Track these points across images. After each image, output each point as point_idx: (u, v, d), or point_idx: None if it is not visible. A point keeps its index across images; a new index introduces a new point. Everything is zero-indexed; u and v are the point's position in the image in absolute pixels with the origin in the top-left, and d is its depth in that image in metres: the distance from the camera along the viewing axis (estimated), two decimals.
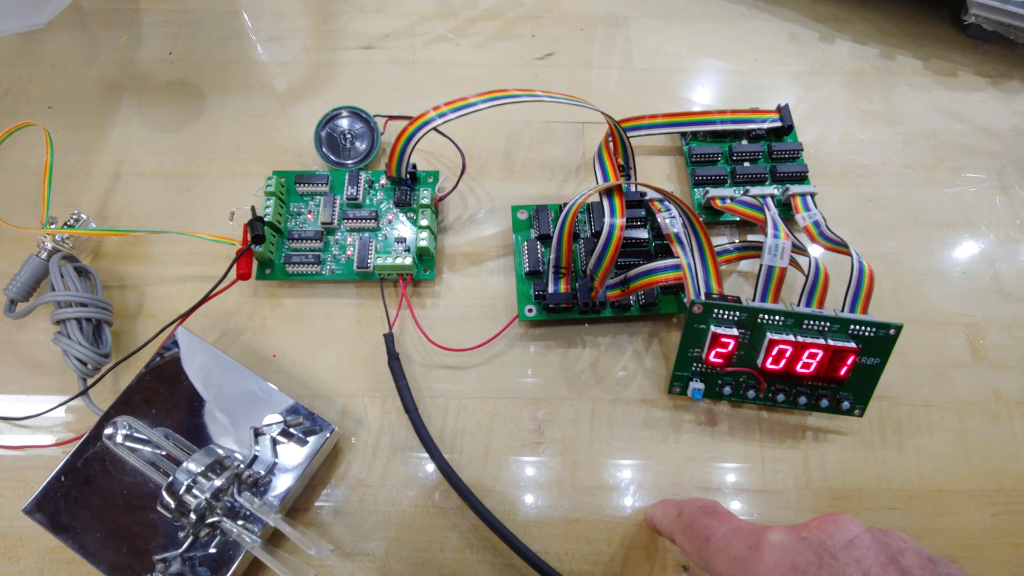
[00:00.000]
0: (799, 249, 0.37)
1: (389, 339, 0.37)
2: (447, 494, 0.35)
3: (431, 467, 0.36)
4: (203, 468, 0.30)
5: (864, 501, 0.36)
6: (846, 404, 0.36)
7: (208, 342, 0.36)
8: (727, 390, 0.36)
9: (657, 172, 0.44)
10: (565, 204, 0.41)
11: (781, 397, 0.36)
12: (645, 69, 0.49)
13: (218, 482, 0.30)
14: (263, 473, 0.33)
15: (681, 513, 0.30)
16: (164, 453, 0.32)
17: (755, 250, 0.40)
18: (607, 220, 0.36)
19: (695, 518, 0.29)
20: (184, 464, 0.30)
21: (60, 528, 0.31)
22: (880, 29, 0.50)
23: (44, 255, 0.38)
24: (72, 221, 0.40)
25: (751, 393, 0.36)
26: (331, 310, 0.40)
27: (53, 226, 0.39)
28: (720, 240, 0.42)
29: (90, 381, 0.36)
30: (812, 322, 0.34)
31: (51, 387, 0.38)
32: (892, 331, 0.34)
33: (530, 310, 0.38)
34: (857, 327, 0.34)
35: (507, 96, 0.36)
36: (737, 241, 0.41)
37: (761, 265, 0.36)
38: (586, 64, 0.49)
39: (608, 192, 0.37)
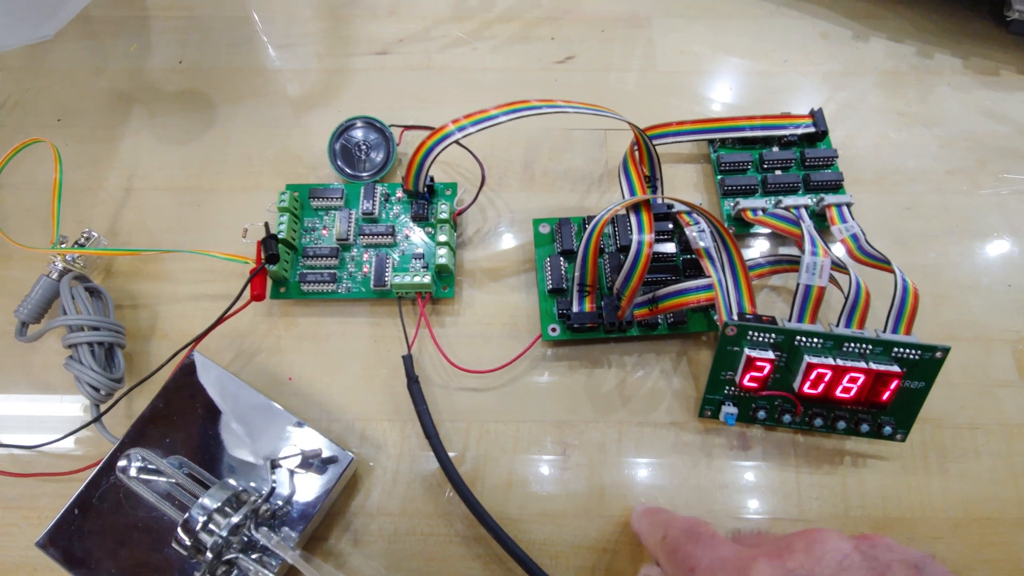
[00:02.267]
0: (838, 266, 0.35)
1: (408, 361, 0.36)
2: (470, 523, 0.34)
3: (453, 494, 0.35)
4: (220, 504, 0.29)
5: (907, 530, 0.34)
6: (888, 429, 0.34)
7: (223, 365, 0.35)
8: (761, 414, 0.34)
9: (684, 181, 0.43)
10: (588, 217, 0.39)
11: (819, 422, 0.34)
12: (669, 71, 0.47)
13: (235, 518, 0.29)
14: (281, 504, 0.32)
15: (665, 537, 0.28)
16: (177, 482, 0.31)
17: (788, 264, 0.38)
18: (635, 237, 0.34)
19: (679, 544, 0.27)
20: (200, 500, 0.29)
21: (74, 563, 0.31)
22: (917, 26, 0.48)
23: (55, 276, 0.37)
24: (83, 240, 0.39)
25: (787, 418, 0.34)
26: (348, 329, 0.39)
27: (64, 245, 0.38)
28: (751, 253, 0.40)
29: (103, 407, 0.35)
30: (853, 344, 0.32)
31: (64, 411, 0.37)
32: (939, 354, 0.32)
33: (554, 329, 0.37)
34: (901, 350, 0.32)
35: (529, 108, 0.34)
36: (768, 255, 0.40)
37: (798, 283, 0.34)
38: (607, 67, 0.47)
39: (635, 207, 0.35)
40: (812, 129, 0.41)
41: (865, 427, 0.34)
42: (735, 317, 0.34)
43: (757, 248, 0.40)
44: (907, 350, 0.32)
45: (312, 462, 0.32)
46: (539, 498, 0.35)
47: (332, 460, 0.33)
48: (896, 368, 0.32)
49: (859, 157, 0.43)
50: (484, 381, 0.37)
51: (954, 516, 0.34)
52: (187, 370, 0.35)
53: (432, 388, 0.37)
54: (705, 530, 0.28)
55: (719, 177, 0.41)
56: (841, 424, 0.34)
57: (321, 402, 0.37)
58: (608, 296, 0.37)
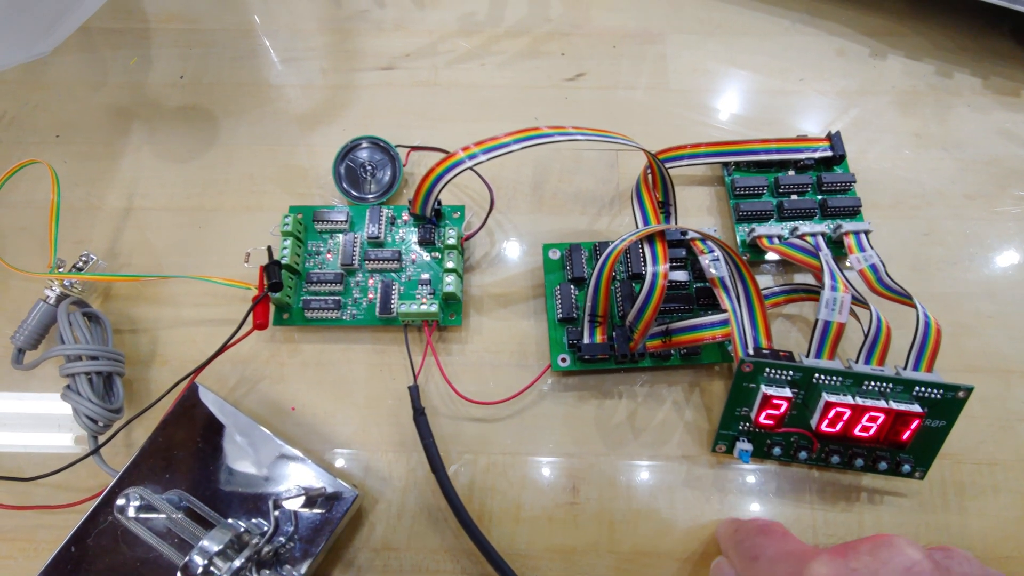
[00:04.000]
0: (859, 301, 0.34)
1: (414, 392, 0.35)
2: (476, 559, 0.33)
3: (459, 530, 0.34)
4: (221, 547, 0.28)
5: None
6: (907, 467, 0.33)
7: (224, 393, 0.35)
8: (777, 451, 0.34)
9: (697, 204, 0.42)
10: (599, 243, 0.38)
11: (836, 459, 0.33)
12: (682, 89, 0.46)
13: (236, 562, 0.28)
14: (283, 542, 0.31)
15: (738, 529, 0.29)
16: (178, 516, 0.30)
17: (804, 293, 0.37)
18: (649, 268, 0.33)
19: (748, 535, 0.28)
20: (200, 542, 0.28)
21: None
22: (936, 44, 0.47)
23: (52, 300, 0.36)
24: (81, 263, 0.38)
25: (803, 454, 0.33)
26: (352, 356, 0.38)
27: (61, 270, 0.37)
28: (766, 281, 0.39)
29: (101, 439, 0.34)
30: (873, 383, 0.31)
31: (62, 441, 0.36)
32: (961, 394, 0.31)
33: (563, 360, 0.36)
34: (922, 389, 0.31)
35: (541, 136, 0.33)
36: (784, 284, 0.39)
37: (817, 319, 0.33)
38: (619, 84, 0.46)
39: (649, 236, 0.35)
40: (829, 152, 0.40)
41: (883, 465, 0.33)
42: (751, 352, 0.33)
43: (772, 276, 0.39)
44: (928, 389, 0.31)
45: (315, 500, 0.31)
46: (548, 533, 0.34)
47: (336, 496, 0.32)
48: (917, 408, 0.31)
49: (875, 179, 0.42)
50: (492, 412, 0.37)
51: (973, 554, 0.34)
52: (188, 401, 0.34)
53: (439, 419, 0.36)
54: (778, 527, 0.29)
55: (733, 202, 0.40)
56: (859, 462, 0.33)
57: (325, 432, 0.36)
58: (619, 326, 0.36)
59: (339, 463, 0.35)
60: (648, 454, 0.36)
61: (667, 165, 0.39)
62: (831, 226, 0.38)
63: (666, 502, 0.35)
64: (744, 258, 0.37)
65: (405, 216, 0.39)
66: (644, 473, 0.35)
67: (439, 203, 0.38)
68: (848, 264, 0.37)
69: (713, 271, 0.36)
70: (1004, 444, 0.36)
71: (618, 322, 0.36)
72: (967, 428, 0.36)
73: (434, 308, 0.36)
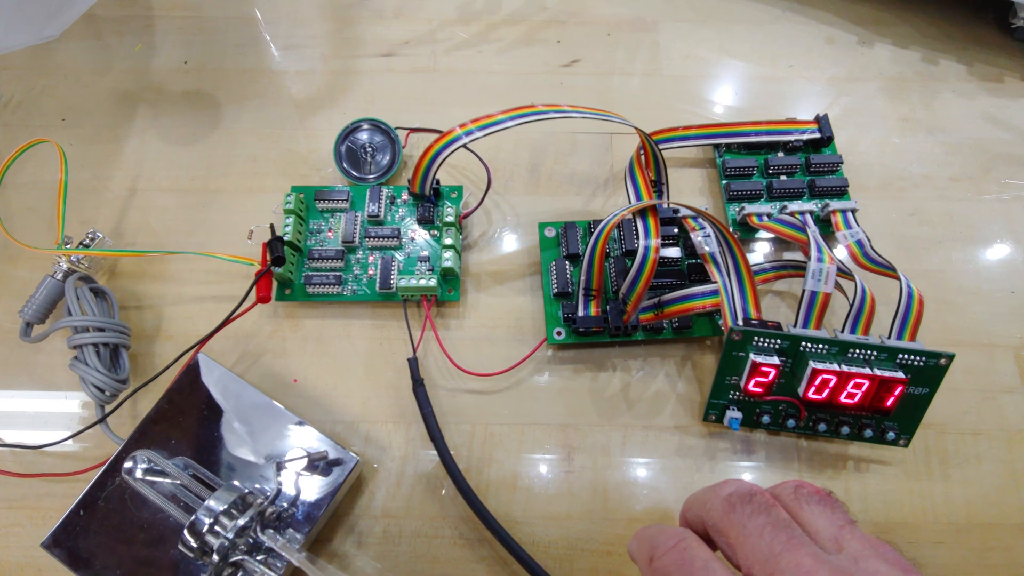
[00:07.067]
0: (844, 273, 0.35)
1: (413, 364, 0.36)
2: (473, 525, 0.34)
3: (457, 497, 0.35)
4: (226, 506, 0.29)
5: (909, 535, 0.34)
6: (891, 434, 0.34)
7: (228, 367, 0.35)
8: (765, 419, 0.35)
9: (689, 185, 0.43)
10: (593, 221, 0.39)
11: (823, 427, 0.34)
12: (675, 75, 0.47)
13: (241, 521, 0.29)
14: (286, 506, 0.32)
15: (653, 560, 0.25)
16: (183, 483, 0.31)
17: (792, 269, 0.38)
18: (641, 242, 0.34)
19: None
20: (206, 502, 0.29)
21: (79, 564, 0.31)
22: (922, 32, 0.48)
23: (60, 276, 0.37)
24: (88, 241, 0.39)
25: (791, 422, 0.34)
26: (353, 331, 0.39)
27: (68, 246, 0.38)
28: (755, 258, 0.40)
29: (108, 408, 0.35)
30: (858, 351, 0.32)
31: (69, 412, 0.37)
32: (943, 361, 0.32)
33: (559, 333, 0.37)
34: (905, 356, 0.32)
35: (536, 113, 0.34)
36: (773, 260, 0.40)
37: (804, 290, 0.34)
38: (613, 71, 0.47)
39: (641, 211, 0.36)
40: (817, 135, 0.41)
41: (869, 432, 0.34)
42: (740, 322, 0.34)
43: (762, 253, 0.41)
44: (911, 356, 0.32)
45: (318, 464, 0.32)
46: (543, 500, 0.35)
47: (337, 462, 0.33)
48: (900, 375, 0.32)
49: (864, 163, 0.43)
50: (489, 384, 0.37)
51: (956, 521, 0.35)
52: (192, 372, 0.35)
53: (437, 391, 0.37)
54: (699, 562, 0.23)
55: (724, 182, 0.41)
56: (845, 429, 0.34)
57: (326, 404, 0.37)
58: (613, 300, 0.37)
59: (340, 433, 0.36)
60: (641, 424, 0.37)
61: (660, 146, 0.40)
62: (819, 205, 0.39)
63: (658, 470, 0.36)
64: (736, 236, 0.38)
65: (404, 196, 0.40)
66: (637, 443, 0.36)
67: (437, 183, 0.39)
68: (836, 240, 0.38)
69: (704, 247, 0.37)
70: (987, 415, 0.37)
71: (612, 297, 0.37)
72: (951, 399, 0.37)
73: (432, 283, 0.37)
